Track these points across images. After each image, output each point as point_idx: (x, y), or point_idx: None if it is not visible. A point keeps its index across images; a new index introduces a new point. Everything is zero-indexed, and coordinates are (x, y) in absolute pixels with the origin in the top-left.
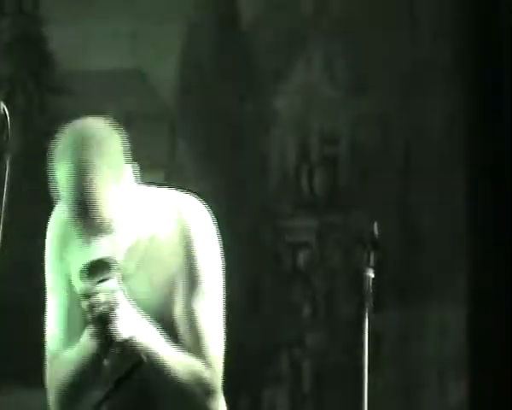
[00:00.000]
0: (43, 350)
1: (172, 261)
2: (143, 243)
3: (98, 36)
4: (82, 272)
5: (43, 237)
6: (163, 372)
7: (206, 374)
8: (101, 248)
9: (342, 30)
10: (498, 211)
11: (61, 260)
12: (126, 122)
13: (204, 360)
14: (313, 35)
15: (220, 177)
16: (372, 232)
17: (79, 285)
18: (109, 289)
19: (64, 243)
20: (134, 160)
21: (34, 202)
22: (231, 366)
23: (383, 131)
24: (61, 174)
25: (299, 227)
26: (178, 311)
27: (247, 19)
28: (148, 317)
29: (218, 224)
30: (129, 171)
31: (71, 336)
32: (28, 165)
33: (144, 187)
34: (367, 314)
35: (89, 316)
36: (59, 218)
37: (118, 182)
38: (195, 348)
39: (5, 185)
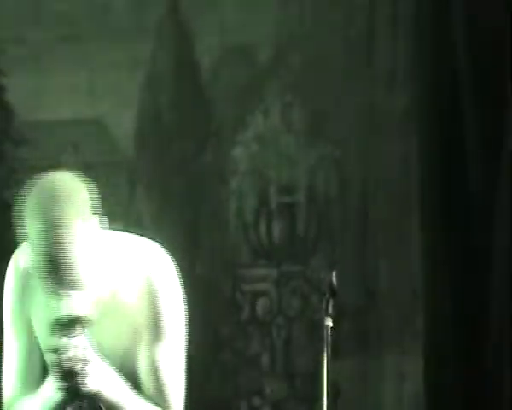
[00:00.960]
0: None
1: (136, 312)
2: (108, 292)
3: (56, 87)
4: (52, 327)
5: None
6: None
7: None
8: (71, 303)
9: (299, 78)
10: (454, 259)
11: (22, 310)
12: (84, 172)
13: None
14: (270, 84)
15: (178, 226)
16: (330, 281)
17: (47, 339)
18: (80, 346)
19: (26, 294)
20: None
21: None
22: None
23: (340, 178)
24: (32, 229)
25: (257, 276)
26: (142, 361)
27: (205, 69)
28: (112, 366)
29: (176, 273)
30: (96, 222)
31: (28, 383)
32: None
33: (110, 233)
34: (326, 363)
35: (57, 371)
36: (20, 267)
37: (87, 235)
38: (158, 398)
39: None
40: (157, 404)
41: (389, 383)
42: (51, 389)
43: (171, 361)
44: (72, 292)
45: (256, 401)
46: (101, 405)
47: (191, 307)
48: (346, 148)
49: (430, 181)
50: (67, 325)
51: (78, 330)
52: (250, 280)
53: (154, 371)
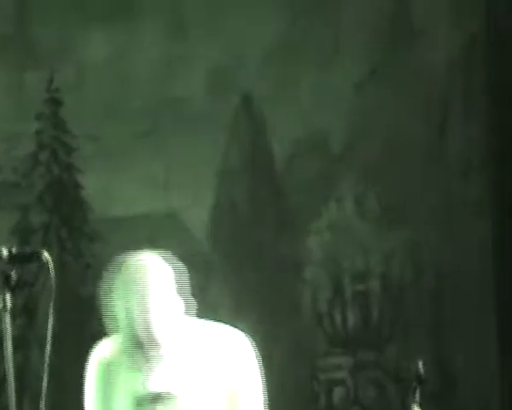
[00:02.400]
0: None
1: (220, 394)
2: (195, 373)
3: (131, 182)
4: (137, 404)
5: (83, 379)
6: None
7: None
8: (154, 380)
9: (372, 168)
10: None
11: (104, 398)
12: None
13: None
14: (344, 171)
15: (254, 315)
16: (417, 369)
17: None
18: None
19: (108, 384)
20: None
21: (71, 348)
22: None
23: (415, 264)
24: (119, 307)
25: (333, 365)
26: None
27: (278, 159)
28: None
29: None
30: (181, 302)
31: None
32: (64, 311)
33: (197, 319)
34: None
35: None
36: (103, 357)
37: (172, 314)
38: None
39: (48, 333)
40: None
41: None
42: None
43: None
44: (155, 369)
45: None
46: None
47: (268, 396)
48: (421, 234)
49: (506, 265)
50: (151, 401)
51: (162, 406)
52: (326, 369)
53: None
